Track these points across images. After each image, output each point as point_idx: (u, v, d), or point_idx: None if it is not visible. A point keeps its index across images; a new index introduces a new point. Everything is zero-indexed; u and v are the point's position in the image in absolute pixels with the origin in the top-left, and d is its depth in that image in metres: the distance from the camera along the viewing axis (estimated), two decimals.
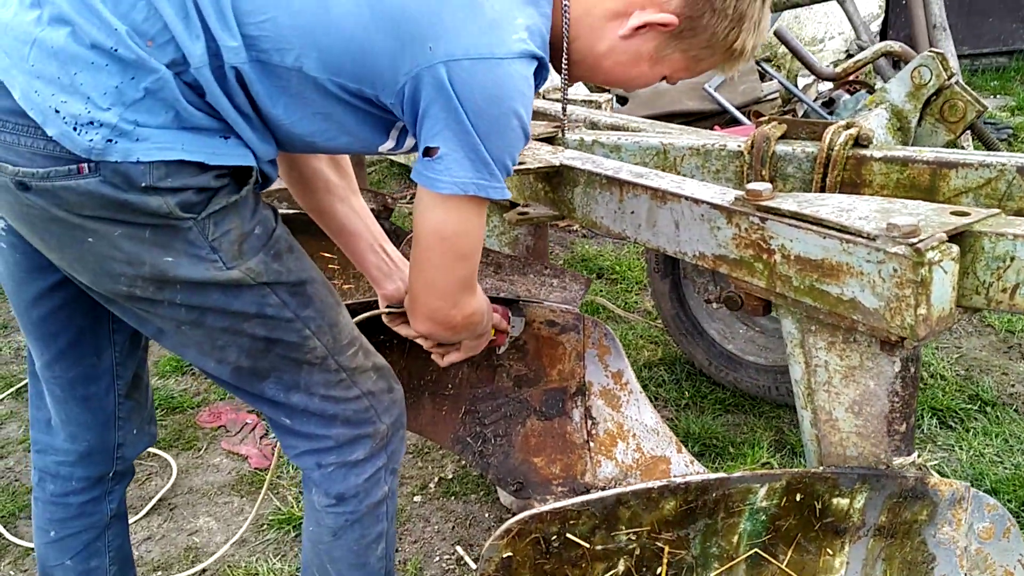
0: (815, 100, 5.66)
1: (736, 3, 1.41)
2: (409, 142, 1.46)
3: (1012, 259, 1.39)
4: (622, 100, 5.61)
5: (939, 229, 1.37)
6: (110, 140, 1.20)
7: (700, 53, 1.47)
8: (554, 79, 1.53)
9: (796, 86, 5.82)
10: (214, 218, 1.30)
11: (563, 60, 1.47)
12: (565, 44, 1.45)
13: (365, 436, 1.57)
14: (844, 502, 1.54)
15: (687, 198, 1.70)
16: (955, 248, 1.36)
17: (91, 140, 1.19)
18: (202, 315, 1.36)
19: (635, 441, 2.29)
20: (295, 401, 1.50)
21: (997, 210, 1.48)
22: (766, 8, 1.45)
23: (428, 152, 1.32)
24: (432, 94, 1.28)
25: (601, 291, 3.94)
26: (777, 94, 5.39)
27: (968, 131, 2.57)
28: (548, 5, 1.40)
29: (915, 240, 1.33)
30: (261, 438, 2.98)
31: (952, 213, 1.44)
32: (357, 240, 1.78)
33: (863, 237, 1.39)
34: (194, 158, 1.25)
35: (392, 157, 1.51)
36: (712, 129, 4.52)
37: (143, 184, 1.22)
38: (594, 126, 2.46)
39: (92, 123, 1.19)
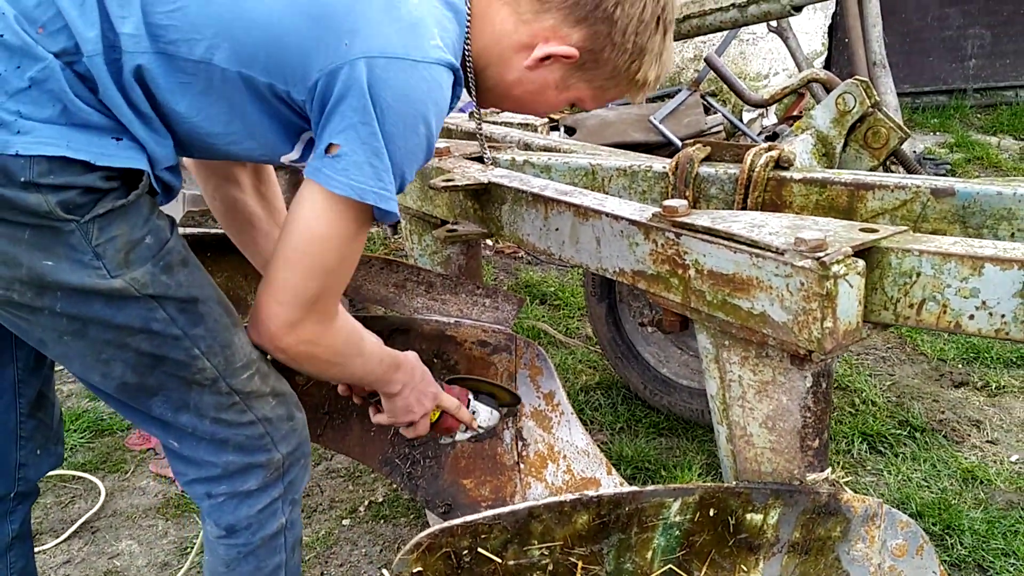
0: (759, 134, 5.77)
1: (635, 38, 1.43)
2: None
3: (918, 275, 1.41)
4: (570, 131, 5.66)
5: (846, 244, 1.39)
6: None
7: (604, 83, 1.50)
8: None
9: (741, 120, 5.92)
10: (99, 222, 1.24)
11: (470, 80, 1.47)
12: (469, 65, 1.45)
13: (258, 465, 1.50)
14: (758, 518, 1.55)
15: (607, 215, 1.71)
16: (860, 262, 1.38)
17: None
18: (84, 326, 1.29)
19: (565, 463, 2.28)
20: (184, 422, 1.43)
21: (905, 227, 1.51)
22: (668, 40, 1.48)
23: (329, 149, 1.27)
24: (343, 90, 1.25)
25: (543, 317, 3.94)
26: (721, 127, 5.47)
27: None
28: (463, 24, 1.40)
29: (821, 254, 1.35)
30: None
31: (861, 230, 1.47)
32: (254, 230, 1.74)
33: (772, 251, 1.41)
34: (79, 156, 1.19)
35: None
36: None
37: (22, 179, 1.17)
38: (527, 147, 2.47)
39: None
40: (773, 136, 5.62)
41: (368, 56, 1.24)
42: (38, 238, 1.21)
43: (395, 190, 1.31)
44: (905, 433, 2.93)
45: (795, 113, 6.25)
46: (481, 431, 2.02)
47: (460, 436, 2.00)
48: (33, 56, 1.17)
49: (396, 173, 1.30)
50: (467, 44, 1.43)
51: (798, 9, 2.19)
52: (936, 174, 5.96)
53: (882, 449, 2.86)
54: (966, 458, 2.80)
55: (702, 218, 1.56)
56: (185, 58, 1.24)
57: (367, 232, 1.37)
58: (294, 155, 1.41)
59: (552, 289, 4.22)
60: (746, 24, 2.24)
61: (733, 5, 2.19)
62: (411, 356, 1.74)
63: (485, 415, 2.00)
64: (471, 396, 1.97)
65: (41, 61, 1.17)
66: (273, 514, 1.54)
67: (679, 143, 4.97)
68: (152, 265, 1.31)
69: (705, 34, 2.34)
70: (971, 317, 1.39)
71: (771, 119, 6.20)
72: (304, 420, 1.58)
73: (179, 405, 1.41)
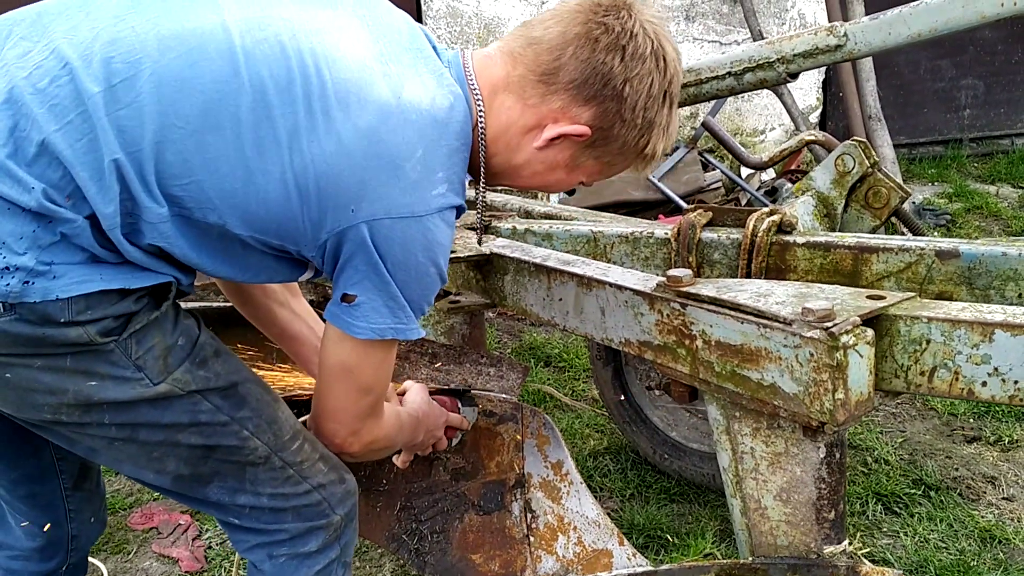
0: (758, 189, 5.79)
1: (644, 112, 1.45)
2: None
3: (928, 342, 1.40)
4: (570, 191, 5.68)
5: (853, 313, 1.38)
6: (27, 282, 1.19)
7: (613, 159, 1.52)
8: None
9: (739, 176, 5.95)
10: (136, 336, 1.30)
11: (480, 173, 1.52)
12: (482, 160, 1.49)
13: (319, 528, 1.54)
14: None
15: (611, 285, 1.70)
16: (870, 332, 1.37)
17: (8, 285, 1.19)
18: (134, 431, 1.35)
19: (576, 534, 2.24)
20: (242, 501, 1.47)
21: (912, 293, 1.50)
22: (674, 112, 1.50)
23: (346, 298, 1.36)
24: (353, 248, 1.32)
25: (548, 379, 3.91)
26: (720, 184, 5.50)
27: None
28: (468, 137, 1.44)
29: (829, 324, 1.34)
30: (194, 539, 2.87)
31: (868, 297, 1.46)
32: (300, 344, 1.79)
33: (779, 322, 1.40)
34: (114, 285, 1.25)
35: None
36: (656, 219, 4.59)
37: (62, 320, 1.22)
38: (528, 215, 2.48)
39: (8, 268, 1.19)
40: (772, 191, 5.64)
41: (374, 219, 1.31)
42: (79, 362, 1.27)
43: (415, 320, 1.41)
44: (919, 492, 2.88)
45: (793, 167, 6.29)
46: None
47: (455, 441, 2.14)
48: (62, 217, 1.21)
49: (414, 309, 1.39)
50: (482, 141, 1.46)
51: (794, 76, 2.20)
52: (937, 224, 5.96)
53: (897, 510, 2.81)
54: (983, 516, 2.74)
55: (707, 287, 1.55)
56: (200, 220, 1.29)
57: (396, 347, 1.48)
58: (309, 274, 1.48)
59: (556, 351, 4.20)
60: (743, 92, 2.27)
61: (729, 73, 2.22)
62: (420, 400, 1.85)
63: (471, 415, 2.14)
64: (459, 403, 2.11)
65: (71, 221, 1.22)
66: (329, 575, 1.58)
67: (680, 200, 5.00)
68: (190, 363, 1.36)
69: (702, 102, 2.37)
70: (984, 384, 1.37)
71: (769, 173, 6.23)
72: (354, 481, 1.62)
73: (235, 488, 1.46)
